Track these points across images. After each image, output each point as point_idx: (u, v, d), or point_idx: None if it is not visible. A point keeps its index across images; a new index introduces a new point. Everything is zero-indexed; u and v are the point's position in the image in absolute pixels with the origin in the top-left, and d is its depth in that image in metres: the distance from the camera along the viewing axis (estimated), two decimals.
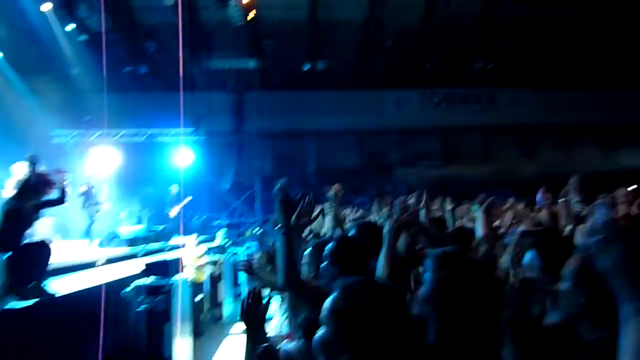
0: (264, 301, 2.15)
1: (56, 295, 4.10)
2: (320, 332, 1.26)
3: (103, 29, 12.91)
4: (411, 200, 3.71)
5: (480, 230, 3.12)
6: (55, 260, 4.67)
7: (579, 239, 2.82)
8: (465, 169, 21.92)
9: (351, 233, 3.06)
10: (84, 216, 10.39)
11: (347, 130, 22.42)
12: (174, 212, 13.04)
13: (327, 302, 1.26)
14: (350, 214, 6.28)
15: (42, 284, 4.06)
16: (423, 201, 3.81)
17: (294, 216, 2.16)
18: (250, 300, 2.06)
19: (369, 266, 2.29)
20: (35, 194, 4.06)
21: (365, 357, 1.16)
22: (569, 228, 3.02)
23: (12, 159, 9.82)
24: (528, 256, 1.97)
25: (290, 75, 20.61)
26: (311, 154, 23.07)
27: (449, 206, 5.17)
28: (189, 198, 13.96)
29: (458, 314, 1.46)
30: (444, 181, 21.11)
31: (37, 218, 4.15)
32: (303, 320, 1.77)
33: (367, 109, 21.34)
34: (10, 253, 3.66)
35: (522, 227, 2.96)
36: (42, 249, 4.03)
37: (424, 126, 22.39)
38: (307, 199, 2.26)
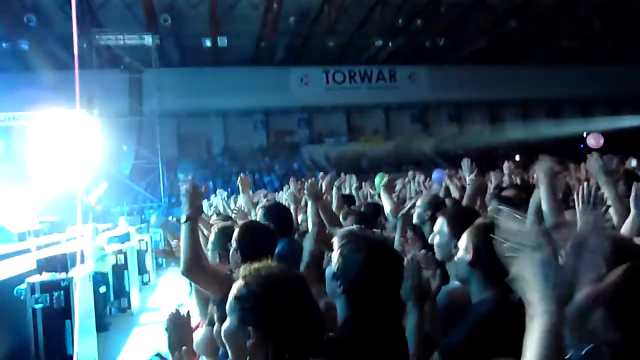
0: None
1: None
2: (225, 322, 1.28)
3: None
4: (324, 180, 3.80)
5: (386, 206, 3.29)
6: None
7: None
8: (369, 145, 22.79)
9: (259, 218, 3.07)
10: None
11: (253, 109, 22.20)
12: (92, 198, 12.36)
13: (232, 290, 1.27)
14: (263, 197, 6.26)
15: None
16: (330, 179, 3.91)
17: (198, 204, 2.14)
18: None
19: (275, 250, 2.33)
20: None
21: (271, 342, 1.18)
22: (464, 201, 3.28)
23: None
24: (438, 222, 2.13)
25: (191, 51, 19.83)
26: (218, 133, 22.58)
27: (354, 183, 5.35)
28: (105, 184, 13.22)
29: (362, 290, 1.54)
30: (349, 157, 21.82)
31: None
32: (216, 305, 1.75)
33: (273, 86, 21.23)
34: None
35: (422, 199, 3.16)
36: None
37: (329, 104, 22.82)
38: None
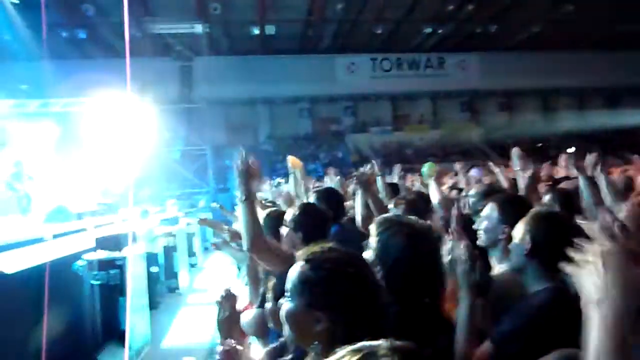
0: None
1: (3, 273, 3.96)
2: (288, 304, 1.25)
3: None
4: (366, 169, 3.78)
5: (434, 197, 3.25)
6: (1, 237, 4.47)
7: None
8: (415, 134, 22.45)
9: (312, 200, 3.10)
10: (16, 192, 9.75)
11: (299, 97, 22.31)
12: (138, 183, 12.95)
13: (296, 273, 1.24)
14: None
15: None
16: (376, 168, 3.88)
17: (252, 183, 2.17)
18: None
19: (329, 231, 2.35)
20: None
21: (340, 325, 1.15)
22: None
23: None
24: (487, 208, 2.10)
25: (240, 40, 20.07)
26: (264, 121, 22.84)
27: (399, 172, 5.29)
28: (153, 169, 13.81)
29: (401, 276, 1.53)
30: (394, 147, 21.60)
31: None
32: (274, 286, 1.78)
33: (319, 74, 21.24)
34: None
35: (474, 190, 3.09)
36: None
37: (375, 92, 22.61)
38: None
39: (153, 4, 16.87)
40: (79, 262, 5.40)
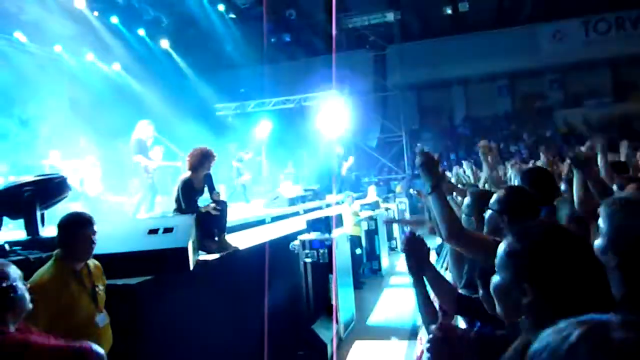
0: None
1: (237, 249, 4.67)
2: (495, 278, 1.24)
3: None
4: (584, 147, 3.40)
5: None
6: (231, 219, 5.27)
7: None
8: None
9: (517, 182, 2.93)
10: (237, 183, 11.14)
11: (496, 74, 20.88)
12: (343, 169, 14.02)
13: (502, 247, 1.22)
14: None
15: (223, 240, 4.65)
16: (599, 146, 3.43)
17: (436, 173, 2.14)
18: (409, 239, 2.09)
19: (538, 215, 2.19)
20: (203, 167, 4.63)
21: (548, 298, 1.11)
22: None
23: (185, 134, 11.20)
24: None
25: (432, 22, 19.72)
26: (459, 102, 22.07)
27: (626, 149, 4.58)
28: (352, 158, 14.75)
29: None
30: (617, 121, 18.66)
31: (205, 186, 4.73)
32: (480, 271, 1.75)
33: (519, 47, 19.53)
34: (194, 215, 4.22)
35: None
36: (221, 210, 4.58)
37: (589, 60, 19.81)
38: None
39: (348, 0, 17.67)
40: (295, 242, 6.05)
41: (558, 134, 19.16)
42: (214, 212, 4.51)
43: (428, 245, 2.09)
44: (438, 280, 2.09)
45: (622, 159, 4.26)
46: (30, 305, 2.05)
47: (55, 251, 2.72)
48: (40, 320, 2.34)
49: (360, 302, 7.42)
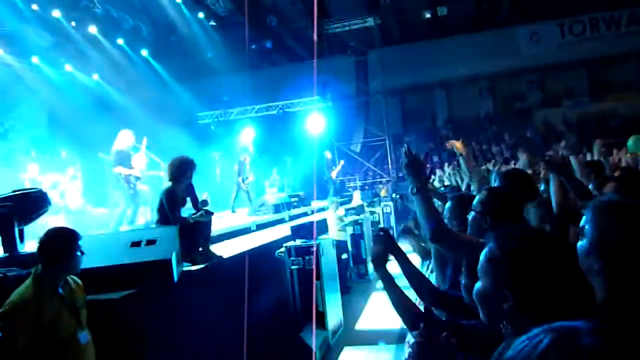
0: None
1: (222, 259, 4.63)
2: (478, 284, 1.24)
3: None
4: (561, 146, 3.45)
5: None
6: (216, 228, 5.23)
7: None
8: (619, 104, 19.40)
9: (496, 184, 2.95)
10: (236, 188, 10.96)
11: (477, 76, 21.15)
12: (333, 174, 14.03)
13: (484, 253, 1.22)
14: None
15: (208, 250, 4.61)
16: (570, 145, 3.50)
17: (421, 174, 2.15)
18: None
19: (520, 215, 2.21)
20: (185, 176, 4.58)
21: (528, 305, 1.11)
22: None
23: (167, 143, 11.09)
24: None
25: (412, 26, 19.90)
26: (441, 105, 22.28)
27: (600, 147, 4.65)
28: (342, 162, 14.75)
29: (626, 267, 1.33)
30: (594, 120, 19.01)
31: (186, 196, 4.69)
32: (467, 262, 1.75)
33: (498, 49, 19.82)
34: (177, 227, 4.17)
35: None
36: (204, 220, 4.53)
37: (565, 60, 20.19)
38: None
39: (328, 5, 17.73)
40: (281, 250, 6.03)
41: (538, 133, 19.43)
42: (204, 220, 4.49)
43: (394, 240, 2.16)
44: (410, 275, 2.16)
45: (596, 157, 4.33)
46: None
47: (34, 268, 2.67)
48: (21, 338, 2.29)
49: (348, 307, 7.40)
